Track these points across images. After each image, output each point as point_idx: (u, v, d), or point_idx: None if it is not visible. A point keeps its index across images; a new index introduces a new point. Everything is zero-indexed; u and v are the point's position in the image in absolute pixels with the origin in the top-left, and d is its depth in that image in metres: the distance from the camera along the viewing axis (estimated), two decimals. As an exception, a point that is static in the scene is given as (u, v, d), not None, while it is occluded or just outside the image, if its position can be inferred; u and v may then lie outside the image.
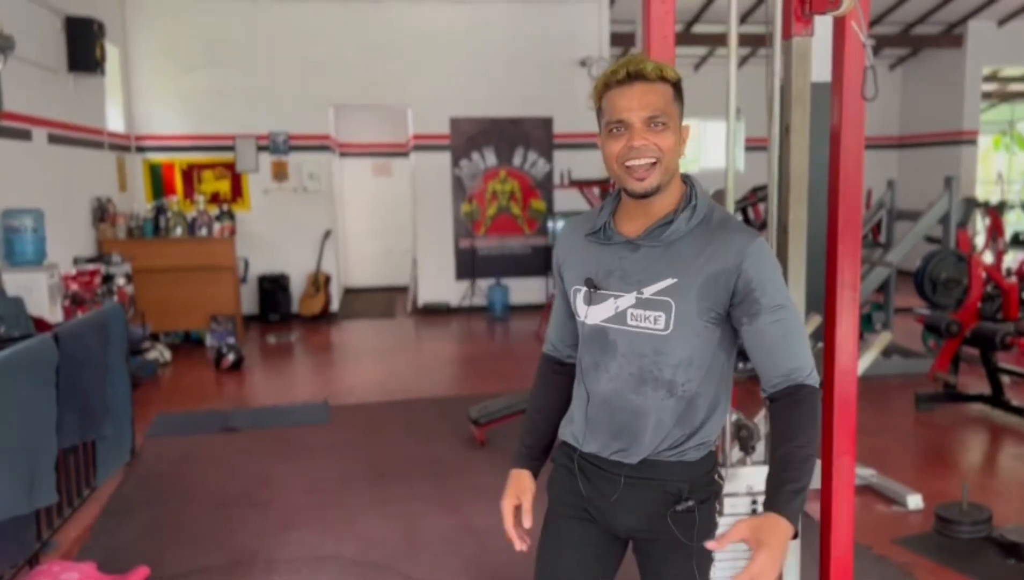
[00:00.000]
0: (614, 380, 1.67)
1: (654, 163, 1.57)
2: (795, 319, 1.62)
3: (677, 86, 1.61)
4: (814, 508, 2.73)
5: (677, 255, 1.61)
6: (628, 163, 1.57)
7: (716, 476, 1.75)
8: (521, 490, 1.84)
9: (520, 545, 1.82)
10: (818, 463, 2.46)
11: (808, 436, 1.58)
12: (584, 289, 1.68)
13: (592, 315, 1.68)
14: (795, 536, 1.55)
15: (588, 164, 9.75)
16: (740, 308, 1.61)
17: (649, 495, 1.69)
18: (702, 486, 1.71)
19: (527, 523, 1.82)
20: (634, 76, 1.57)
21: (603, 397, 1.69)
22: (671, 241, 1.62)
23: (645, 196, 1.60)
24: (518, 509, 1.84)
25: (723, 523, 2.38)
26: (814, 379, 1.62)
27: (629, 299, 1.63)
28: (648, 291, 1.61)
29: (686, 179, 1.68)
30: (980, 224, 9.13)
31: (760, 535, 1.49)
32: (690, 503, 1.67)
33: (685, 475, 1.69)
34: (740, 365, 1.75)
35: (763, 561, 1.46)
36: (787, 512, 1.52)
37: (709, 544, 1.55)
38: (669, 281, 1.60)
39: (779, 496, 1.53)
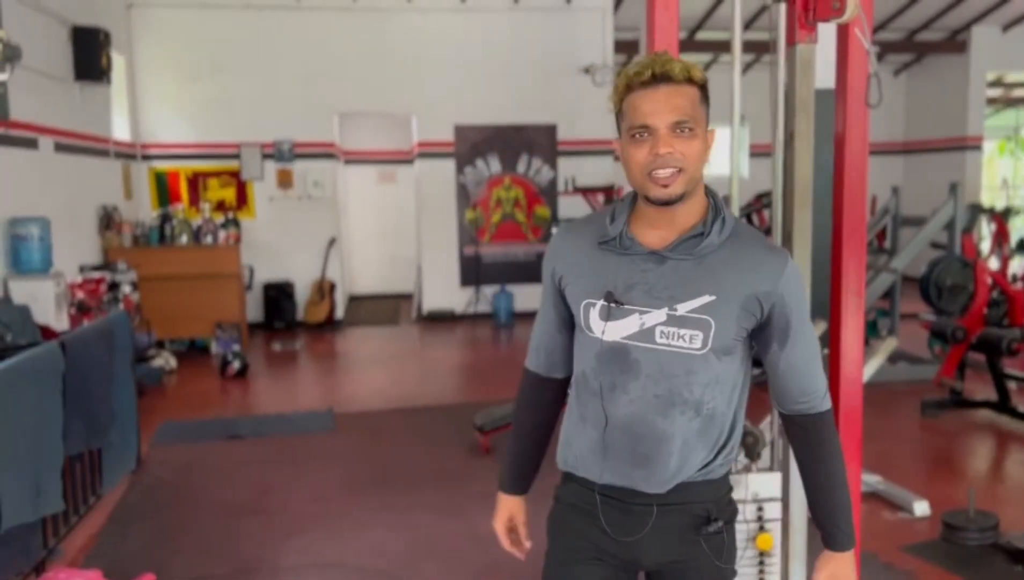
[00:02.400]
0: (635, 402, 1.55)
1: (679, 171, 1.47)
2: (815, 341, 1.61)
3: (704, 88, 1.52)
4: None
5: (712, 271, 1.51)
6: (653, 172, 1.47)
7: (732, 493, 1.70)
8: (514, 512, 1.83)
9: (521, 554, 1.85)
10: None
11: (842, 470, 1.65)
12: (601, 303, 1.54)
13: (611, 331, 1.55)
14: None
15: (592, 171, 9.76)
16: (770, 331, 1.56)
17: (678, 521, 1.61)
18: (725, 505, 1.66)
19: (527, 544, 1.85)
20: (660, 78, 1.46)
21: (623, 421, 1.56)
22: (703, 255, 1.52)
23: (668, 203, 1.49)
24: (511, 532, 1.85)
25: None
26: (827, 402, 1.63)
27: (658, 315, 1.52)
28: (683, 308, 1.50)
29: (708, 190, 1.58)
30: (985, 230, 9.13)
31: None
32: (720, 524, 1.62)
33: (711, 495, 1.63)
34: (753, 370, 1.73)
35: None
36: (850, 546, 1.64)
37: None
38: (707, 298, 1.50)
39: (842, 533, 1.64)
